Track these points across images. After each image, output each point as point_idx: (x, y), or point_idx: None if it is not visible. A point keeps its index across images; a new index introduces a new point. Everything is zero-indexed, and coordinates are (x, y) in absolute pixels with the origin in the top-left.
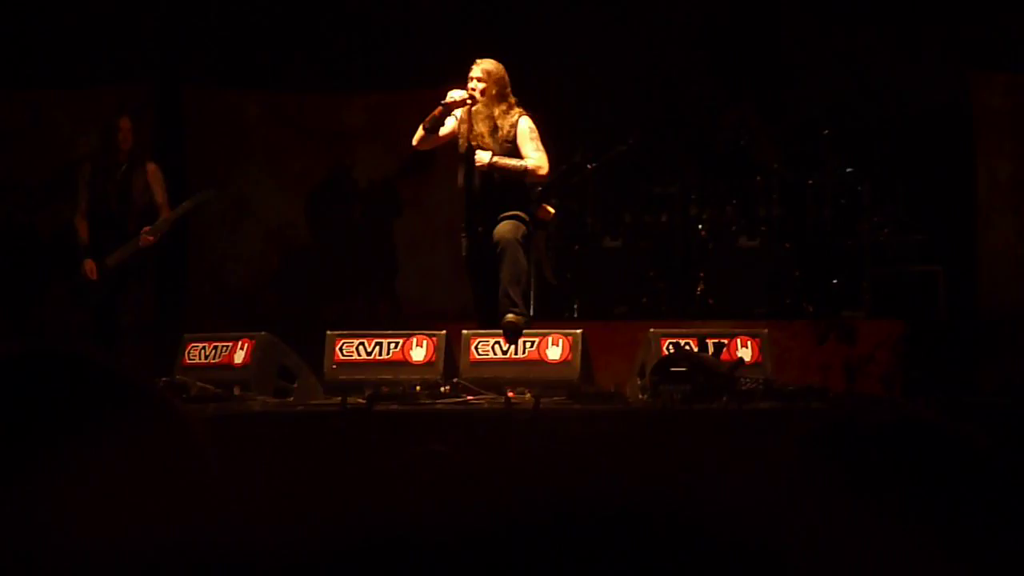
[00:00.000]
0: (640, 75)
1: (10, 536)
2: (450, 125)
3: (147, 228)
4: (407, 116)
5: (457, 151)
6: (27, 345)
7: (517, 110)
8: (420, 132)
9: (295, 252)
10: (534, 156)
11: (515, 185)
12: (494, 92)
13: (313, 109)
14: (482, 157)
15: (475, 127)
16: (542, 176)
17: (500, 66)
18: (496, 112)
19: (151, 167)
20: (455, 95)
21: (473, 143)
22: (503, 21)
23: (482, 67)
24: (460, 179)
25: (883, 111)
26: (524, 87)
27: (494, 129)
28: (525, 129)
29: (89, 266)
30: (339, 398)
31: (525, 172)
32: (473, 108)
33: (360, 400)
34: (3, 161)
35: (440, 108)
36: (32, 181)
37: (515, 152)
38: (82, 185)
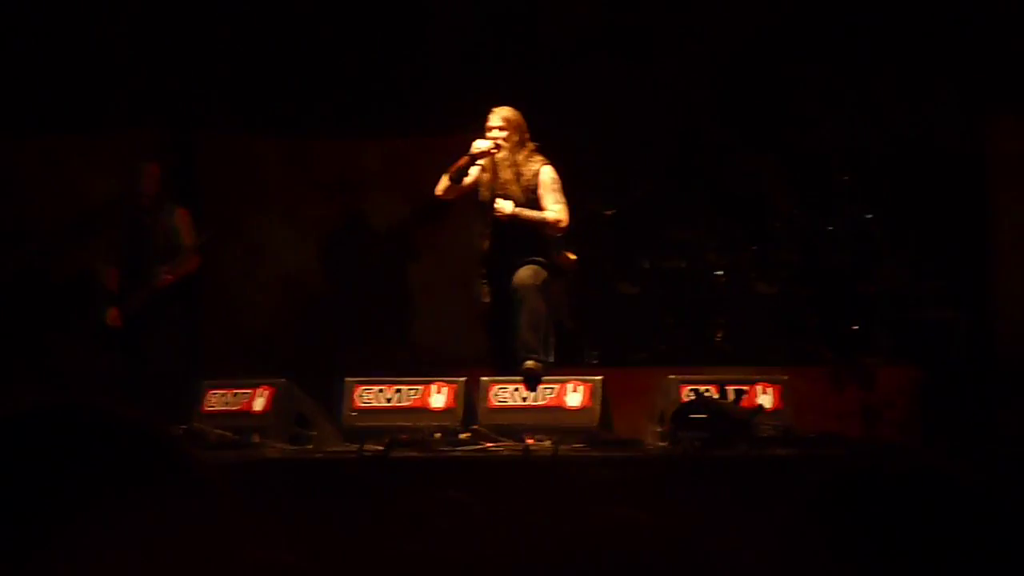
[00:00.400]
0: (657, 121)
1: None
2: (472, 173)
3: (166, 267)
4: (423, 162)
5: (478, 198)
6: (46, 400)
7: (539, 158)
8: (445, 182)
9: (311, 298)
10: (554, 209)
11: (534, 231)
12: (516, 139)
13: (329, 155)
14: (504, 207)
15: (500, 175)
16: (561, 229)
17: (518, 113)
18: (519, 159)
19: (180, 211)
20: (480, 145)
21: (498, 191)
22: (519, 68)
23: (501, 115)
24: (480, 226)
25: (899, 156)
26: (541, 133)
27: (518, 176)
28: (547, 180)
29: (113, 314)
30: (357, 445)
31: (545, 224)
32: (497, 156)
33: (378, 447)
34: (19, 208)
35: (466, 158)
36: (48, 228)
37: (536, 200)
38: (113, 230)
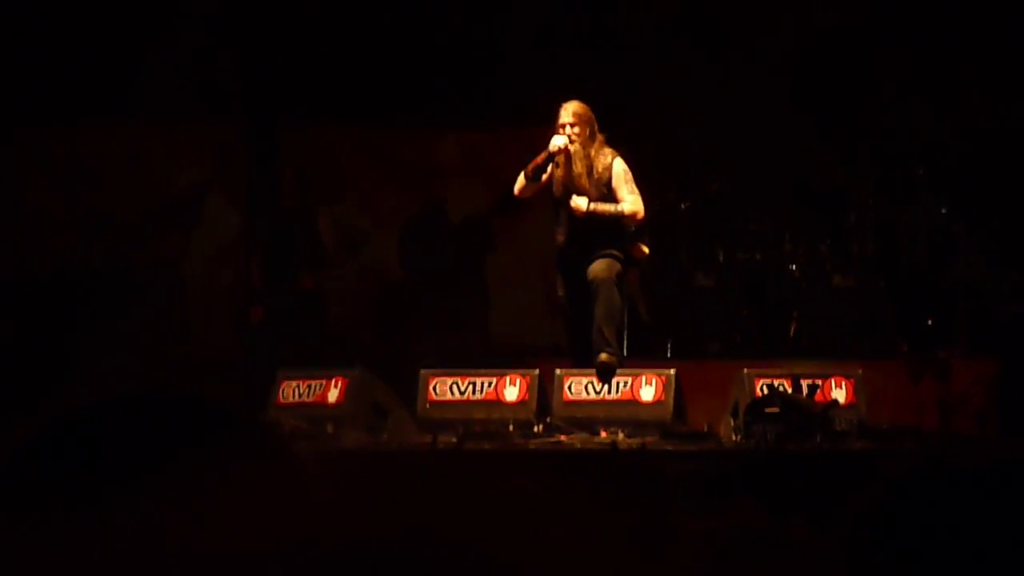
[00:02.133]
0: (734, 113)
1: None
2: (548, 169)
3: (309, 273)
4: (501, 153)
5: (553, 193)
6: (146, 385)
7: (609, 150)
8: (522, 181)
9: (389, 288)
10: (629, 199)
11: (610, 224)
12: (587, 132)
13: (407, 146)
14: (580, 204)
15: (574, 168)
16: (638, 221)
17: (586, 106)
18: (591, 152)
19: (322, 211)
20: (557, 142)
21: (572, 186)
22: (597, 59)
23: (571, 110)
24: (556, 219)
25: (978, 147)
26: (618, 125)
27: (590, 170)
28: (620, 172)
29: (257, 312)
30: (431, 436)
31: (622, 216)
32: (571, 150)
33: (452, 439)
34: (100, 197)
35: (543, 156)
36: (129, 217)
37: (610, 193)
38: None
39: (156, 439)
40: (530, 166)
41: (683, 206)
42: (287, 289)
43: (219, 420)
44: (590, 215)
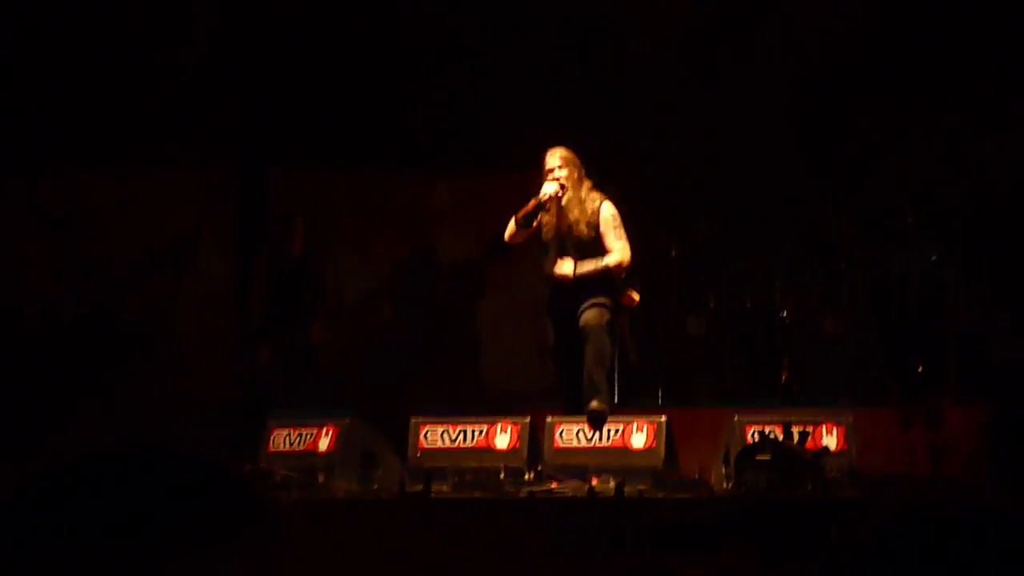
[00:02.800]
0: (724, 159)
1: None
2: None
3: (320, 325)
4: (491, 198)
5: (543, 239)
6: (124, 441)
7: (597, 194)
8: (512, 227)
9: (379, 333)
10: (616, 247)
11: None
12: (576, 176)
13: (398, 190)
14: (566, 271)
15: (567, 214)
16: (624, 269)
17: (571, 150)
18: (581, 196)
19: (328, 262)
20: (548, 189)
21: (565, 230)
22: (586, 104)
23: (559, 155)
24: (547, 265)
25: (968, 193)
26: (607, 170)
27: (580, 214)
28: (608, 217)
29: (265, 355)
30: (421, 485)
31: (607, 269)
32: (563, 197)
33: (444, 487)
34: (90, 245)
35: (534, 203)
36: (118, 264)
37: (598, 237)
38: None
39: (140, 495)
40: (521, 212)
41: (674, 252)
42: (290, 338)
43: (203, 475)
44: (577, 279)
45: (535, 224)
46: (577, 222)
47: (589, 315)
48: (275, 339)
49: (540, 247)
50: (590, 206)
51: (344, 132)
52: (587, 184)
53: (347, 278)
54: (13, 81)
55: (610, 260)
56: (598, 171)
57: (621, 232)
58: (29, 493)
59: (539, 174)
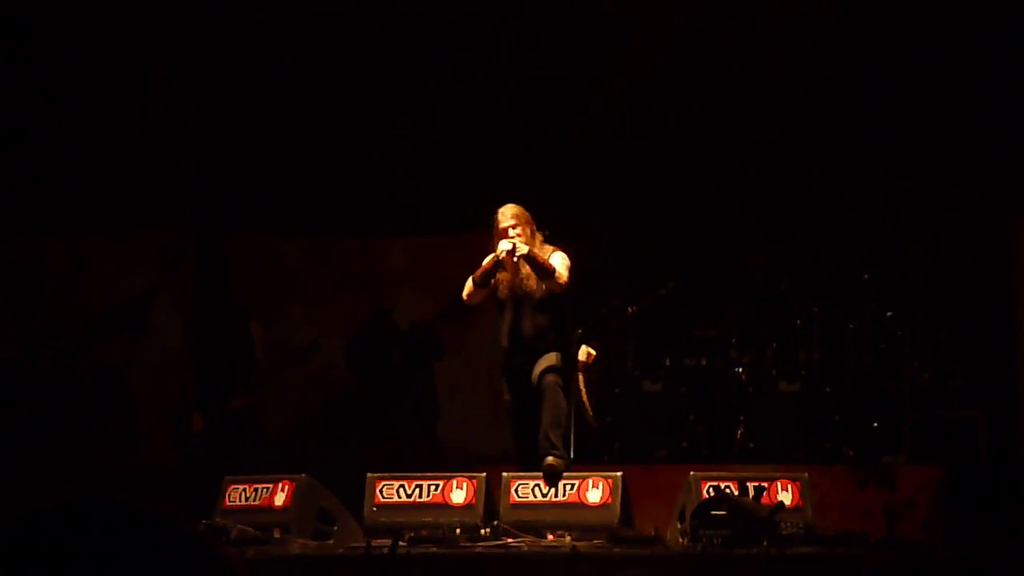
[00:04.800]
0: (679, 219)
1: None
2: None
3: (241, 395)
4: (448, 259)
5: (498, 297)
6: (75, 492)
7: (550, 248)
8: (470, 286)
9: (336, 395)
10: (559, 265)
11: (555, 328)
12: (528, 232)
13: (354, 252)
14: (520, 248)
15: (522, 270)
16: (561, 285)
17: (521, 207)
18: (535, 251)
19: (254, 324)
20: (504, 246)
21: (521, 286)
22: (542, 166)
23: (510, 213)
24: (502, 324)
25: (923, 255)
26: (563, 231)
27: (531, 275)
28: (558, 257)
29: (197, 419)
30: (376, 541)
31: (548, 274)
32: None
33: (401, 543)
34: (46, 306)
35: (491, 260)
36: (74, 325)
37: (552, 295)
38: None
39: (91, 549)
40: (478, 272)
41: (630, 311)
42: (219, 406)
43: (155, 530)
44: (526, 258)
45: (492, 283)
46: (531, 277)
47: (544, 371)
48: (205, 406)
49: (496, 306)
50: (543, 257)
51: (301, 195)
52: (539, 238)
53: (302, 338)
54: None
55: (556, 263)
56: (554, 233)
57: (566, 267)
58: None
59: (493, 235)
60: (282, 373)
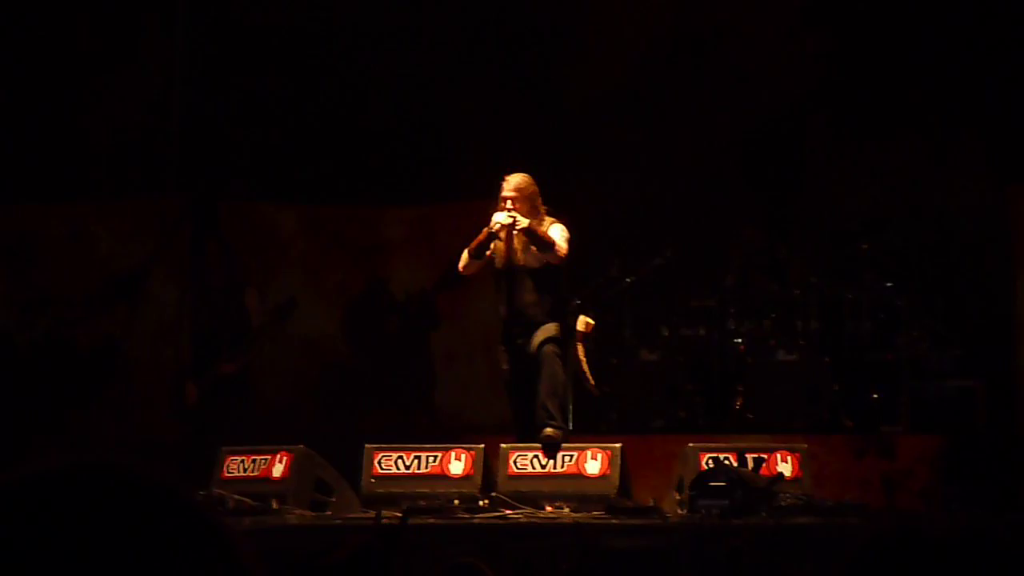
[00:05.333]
0: (677, 188)
1: None
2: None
3: (228, 357)
4: (444, 229)
5: (495, 268)
6: (71, 458)
7: (548, 219)
8: (465, 258)
9: (332, 364)
10: (558, 238)
11: (552, 298)
12: (527, 207)
13: (350, 221)
14: (521, 222)
15: (516, 241)
16: (560, 257)
17: (529, 178)
18: (534, 225)
19: (250, 290)
20: (498, 218)
21: (517, 255)
22: (538, 135)
23: (513, 183)
24: (498, 293)
25: (921, 225)
26: (559, 200)
27: (528, 246)
28: (557, 228)
29: (190, 390)
30: (375, 512)
31: (550, 245)
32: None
33: (396, 514)
34: (43, 275)
35: (485, 232)
36: (72, 295)
37: (548, 268)
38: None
39: (87, 516)
40: (473, 243)
41: (627, 281)
42: (211, 372)
43: (153, 497)
44: (525, 232)
45: (488, 254)
46: (527, 248)
47: (542, 341)
48: (198, 373)
49: (493, 276)
50: (541, 229)
51: (296, 164)
52: (542, 212)
53: (299, 309)
54: None
55: (555, 236)
56: (550, 200)
57: (565, 238)
58: None
59: (493, 202)
60: (267, 335)
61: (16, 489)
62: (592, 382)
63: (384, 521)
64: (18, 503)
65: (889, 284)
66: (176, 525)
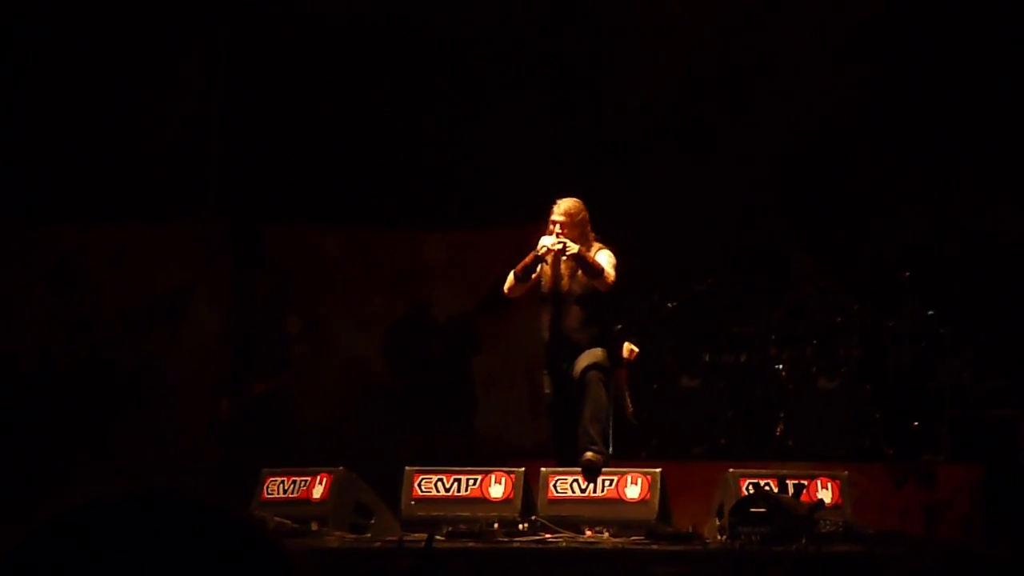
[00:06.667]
0: (720, 215)
1: None
2: (537, 268)
3: (262, 379)
4: (486, 254)
5: (540, 291)
6: (126, 485)
7: (597, 246)
8: (511, 280)
9: (374, 388)
10: (606, 264)
11: (597, 323)
12: (576, 233)
13: (393, 246)
14: (571, 248)
15: (562, 266)
16: (608, 285)
17: (580, 204)
18: (583, 250)
19: (293, 320)
20: (545, 242)
21: (564, 283)
22: (582, 160)
23: (564, 208)
24: (542, 317)
25: (963, 253)
26: (602, 225)
27: (575, 271)
28: (604, 255)
29: (224, 406)
30: (416, 535)
31: (596, 274)
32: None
33: (439, 537)
34: (85, 297)
35: (532, 256)
36: (113, 317)
37: (594, 294)
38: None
39: (148, 542)
40: (519, 266)
41: (669, 307)
42: (245, 393)
43: (210, 520)
44: (575, 258)
45: (534, 277)
46: (574, 272)
47: (586, 366)
48: (235, 393)
49: (537, 300)
50: (589, 255)
51: (340, 188)
52: (592, 238)
53: (341, 332)
54: (12, 133)
55: (604, 264)
56: (594, 226)
57: (612, 266)
58: (35, 544)
59: (533, 228)
60: (300, 356)
61: (81, 517)
62: (631, 409)
63: (407, 546)
64: (83, 531)
65: (931, 312)
66: (236, 547)
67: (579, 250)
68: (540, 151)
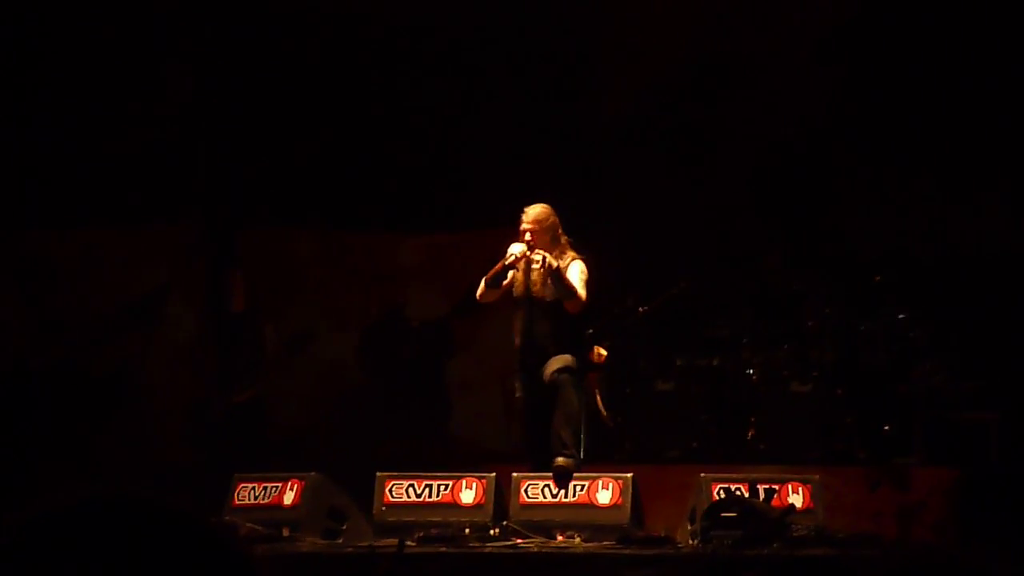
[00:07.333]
0: (694, 218)
1: None
2: (508, 274)
3: (239, 388)
4: (461, 257)
5: (512, 296)
6: (94, 490)
7: (570, 253)
8: (482, 287)
9: (347, 391)
10: (577, 282)
11: (568, 328)
12: (547, 238)
13: (367, 249)
14: (552, 262)
15: (531, 274)
16: (577, 306)
17: (549, 210)
18: (555, 255)
19: (269, 328)
20: (514, 249)
21: (535, 288)
22: (556, 164)
23: (532, 216)
24: (515, 322)
25: (937, 256)
26: (576, 229)
27: (547, 277)
28: (576, 270)
29: (214, 410)
30: (388, 540)
31: (572, 294)
32: (532, 256)
33: (408, 542)
34: (58, 300)
35: (502, 263)
36: (86, 320)
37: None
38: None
39: (110, 548)
40: (490, 273)
41: (642, 311)
42: (222, 401)
43: (174, 526)
44: (551, 272)
45: (505, 283)
46: (536, 283)
47: (557, 371)
48: (215, 399)
49: (510, 305)
50: (561, 264)
51: (313, 192)
52: (563, 244)
53: (313, 335)
54: None
55: (575, 283)
56: (569, 230)
57: (585, 284)
58: (13, 545)
59: (511, 231)
60: (280, 366)
61: (45, 522)
62: (605, 413)
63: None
64: (48, 535)
65: (903, 315)
66: (200, 553)
67: (557, 267)
68: (517, 154)
